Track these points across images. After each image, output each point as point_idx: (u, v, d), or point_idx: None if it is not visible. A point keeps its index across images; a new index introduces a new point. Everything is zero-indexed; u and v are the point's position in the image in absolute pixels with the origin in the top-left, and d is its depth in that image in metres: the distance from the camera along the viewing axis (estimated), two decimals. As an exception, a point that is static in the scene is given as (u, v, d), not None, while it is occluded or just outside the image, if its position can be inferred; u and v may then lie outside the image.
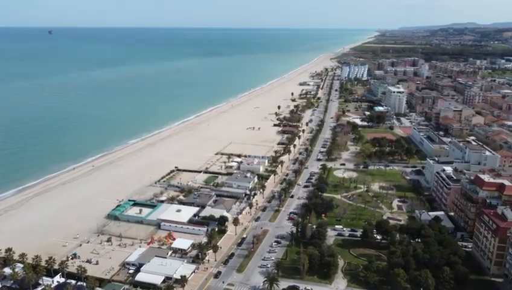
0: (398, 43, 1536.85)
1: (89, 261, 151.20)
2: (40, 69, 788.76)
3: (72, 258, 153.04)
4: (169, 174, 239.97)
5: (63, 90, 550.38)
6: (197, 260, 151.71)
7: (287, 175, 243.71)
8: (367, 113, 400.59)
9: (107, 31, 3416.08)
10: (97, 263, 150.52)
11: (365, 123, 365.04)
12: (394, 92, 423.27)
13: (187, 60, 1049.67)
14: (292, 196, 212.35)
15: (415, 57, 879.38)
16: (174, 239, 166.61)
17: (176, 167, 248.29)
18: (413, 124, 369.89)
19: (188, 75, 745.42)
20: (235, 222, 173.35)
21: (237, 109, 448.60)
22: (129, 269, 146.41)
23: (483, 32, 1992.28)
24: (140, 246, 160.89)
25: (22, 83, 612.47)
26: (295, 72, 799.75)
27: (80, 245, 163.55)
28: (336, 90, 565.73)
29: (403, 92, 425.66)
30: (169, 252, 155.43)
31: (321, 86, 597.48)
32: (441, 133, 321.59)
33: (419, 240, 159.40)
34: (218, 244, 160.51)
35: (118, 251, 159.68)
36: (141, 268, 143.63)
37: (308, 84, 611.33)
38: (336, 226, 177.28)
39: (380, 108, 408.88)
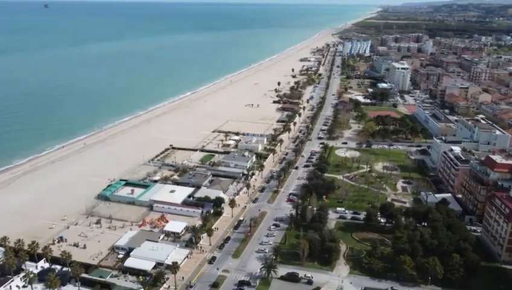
0: (401, 19, 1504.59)
1: (76, 245, 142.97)
2: (34, 44, 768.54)
3: (58, 242, 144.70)
4: (163, 152, 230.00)
5: (57, 66, 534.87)
6: (191, 244, 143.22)
7: (286, 154, 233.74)
8: (370, 90, 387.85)
9: (107, 5, 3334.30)
10: (85, 247, 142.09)
11: (368, 100, 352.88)
12: (398, 68, 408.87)
13: (186, 34, 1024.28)
14: (297, 167, 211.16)
15: (419, 33, 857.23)
16: (166, 221, 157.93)
17: (170, 145, 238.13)
18: (418, 101, 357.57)
19: (186, 50, 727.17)
20: (232, 203, 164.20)
21: (236, 85, 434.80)
22: (118, 254, 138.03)
23: (487, 9, 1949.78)
24: (131, 229, 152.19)
25: (14, 57, 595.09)
26: (296, 47, 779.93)
27: (68, 228, 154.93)
28: (338, 66, 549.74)
29: (407, 69, 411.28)
30: (162, 236, 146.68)
31: (322, 62, 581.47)
32: (447, 111, 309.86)
33: (425, 224, 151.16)
34: (213, 227, 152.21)
35: (107, 233, 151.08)
36: (131, 253, 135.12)
37: (309, 60, 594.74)
38: (338, 209, 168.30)
39: (384, 85, 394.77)
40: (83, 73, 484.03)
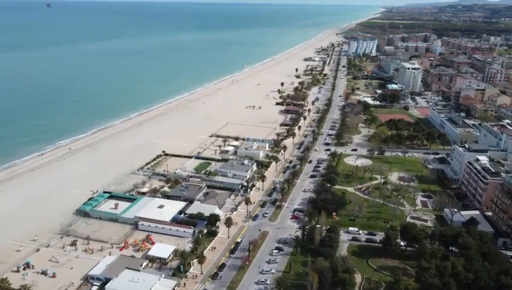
0: (406, 19, 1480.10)
1: (44, 273, 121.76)
2: (32, 42, 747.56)
3: (24, 269, 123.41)
4: (155, 159, 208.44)
5: (52, 64, 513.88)
6: (179, 273, 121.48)
7: (290, 162, 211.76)
8: (379, 91, 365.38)
9: (108, 4, 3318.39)
10: (54, 276, 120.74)
11: (377, 103, 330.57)
12: (409, 68, 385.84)
13: (186, 34, 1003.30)
14: (310, 161, 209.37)
15: (425, 32, 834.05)
16: (152, 243, 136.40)
17: (163, 152, 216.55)
18: (430, 104, 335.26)
19: (185, 49, 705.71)
20: (228, 222, 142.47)
21: (236, 85, 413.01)
22: (92, 285, 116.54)
23: (493, 9, 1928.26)
24: (110, 253, 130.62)
25: (10, 55, 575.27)
26: (299, 47, 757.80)
27: (38, 250, 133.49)
28: (344, 66, 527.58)
29: (418, 69, 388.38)
30: (144, 263, 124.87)
31: (327, 62, 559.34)
32: (463, 114, 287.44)
33: (453, 249, 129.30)
34: (207, 249, 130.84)
35: (82, 258, 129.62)
36: (107, 285, 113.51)
37: (314, 60, 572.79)
38: (350, 228, 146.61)
39: (394, 86, 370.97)
40: (77, 72, 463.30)
